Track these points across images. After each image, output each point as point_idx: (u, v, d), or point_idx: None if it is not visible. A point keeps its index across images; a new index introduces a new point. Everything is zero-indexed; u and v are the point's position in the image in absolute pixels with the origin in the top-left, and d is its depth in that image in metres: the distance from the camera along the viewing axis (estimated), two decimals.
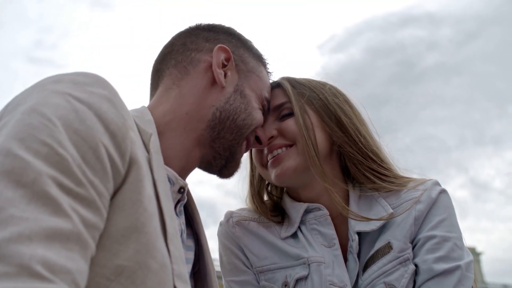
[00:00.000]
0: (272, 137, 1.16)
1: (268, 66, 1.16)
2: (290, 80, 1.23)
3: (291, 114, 1.18)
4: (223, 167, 1.03)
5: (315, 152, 1.12)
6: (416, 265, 1.06)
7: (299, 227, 1.20)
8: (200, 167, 1.03)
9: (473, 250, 35.40)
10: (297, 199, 1.24)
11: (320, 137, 1.15)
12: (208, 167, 1.03)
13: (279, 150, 1.16)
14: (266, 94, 1.11)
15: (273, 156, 1.16)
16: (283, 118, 1.19)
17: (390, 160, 1.23)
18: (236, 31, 1.11)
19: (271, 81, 1.20)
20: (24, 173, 0.49)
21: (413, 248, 1.08)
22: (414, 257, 1.07)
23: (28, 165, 0.50)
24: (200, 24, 1.08)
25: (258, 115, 1.05)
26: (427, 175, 1.21)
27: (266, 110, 1.14)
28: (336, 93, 1.24)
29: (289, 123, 1.16)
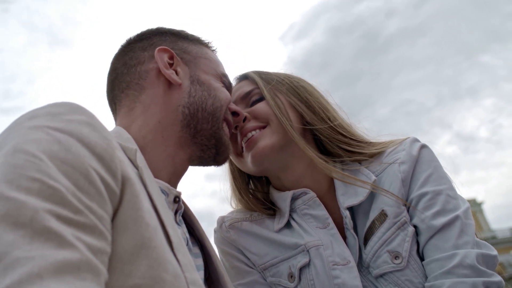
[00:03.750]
0: (245, 118, 1.17)
1: (211, 45, 1.14)
2: (256, 71, 1.27)
3: (261, 99, 1.20)
4: (216, 155, 1.03)
5: (291, 127, 1.13)
6: (415, 226, 1.06)
7: (291, 216, 1.20)
8: (193, 164, 1.03)
9: (473, 201, 35.90)
10: (281, 188, 1.23)
11: (292, 117, 1.17)
12: (202, 161, 1.03)
13: (253, 132, 1.17)
14: (221, 70, 1.10)
15: (248, 139, 1.16)
16: (253, 104, 1.21)
17: (363, 133, 1.25)
18: (165, 27, 1.09)
19: (234, 77, 1.24)
20: (20, 213, 0.49)
21: (407, 210, 1.08)
22: (411, 219, 1.07)
23: (22, 205, 0.49)
24: (130, 38, 1.06)
25: (223, 94, 1.04)
26: None
27: (228, 85, 1.12)
28: (301, 79, 1.28)
29: (261, 105, 1.18)
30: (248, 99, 1.22)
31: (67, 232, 0.51)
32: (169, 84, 0.97)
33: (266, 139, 1.14)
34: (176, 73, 0.99)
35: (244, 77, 1.28)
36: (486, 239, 1.08)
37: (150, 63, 0.99)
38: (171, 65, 0.99)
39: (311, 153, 1.13)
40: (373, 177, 1.13)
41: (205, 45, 1.11)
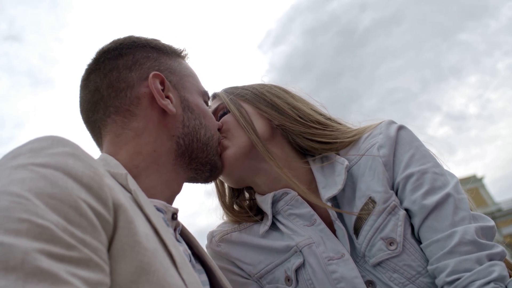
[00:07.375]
0: None
1: (184, 53, 1.11)
2: (224, 88, 1.29)
3: (226, 113, 1.20)
4: (209, 177, 1.07)
5: (255, 134, 1.13)
6: (407, 210, 1.05)
7: (277, 219, 1.19)
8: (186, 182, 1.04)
9: (474, 178, 35.97)
10: (263, 193, 1.22)
11: (258, 124, 1.17)
12: (194, 181, 1.06)
13: None
14: (201, 86, 1.09)
15: None
16: (220, 118, 1.21)
17: (343, 122, 1.25)
18: (140, 38, 1.03)
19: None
20: (10, 257, 0.47)
21: (396, 194, 1.06)
22: (401, 202, 1.05)
23: (11, 248, 0.47)
24: (104, 49, 0.99)
25: (211, 121, 1.04)
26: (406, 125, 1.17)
27: (208, 101, 1.12)
28: (266, 84, 1.29)
29: (225, 118, 1.19)
30: (216, 115, 1.22)
31: (61, 269, 0.49)
32: (163, 111, 0.95)
33: (228, 151, 1.14)
34: (170, 99, 0.96)
35: (214, 96, 1.29)
36: (492, 213, 1.07)
37: (139, 87, 0.95)
38: (162, 90, 0.96)
39: (274, 161, 1.12)
40: (346, 162, 1.11)
41: (181, 56, 1.09)
